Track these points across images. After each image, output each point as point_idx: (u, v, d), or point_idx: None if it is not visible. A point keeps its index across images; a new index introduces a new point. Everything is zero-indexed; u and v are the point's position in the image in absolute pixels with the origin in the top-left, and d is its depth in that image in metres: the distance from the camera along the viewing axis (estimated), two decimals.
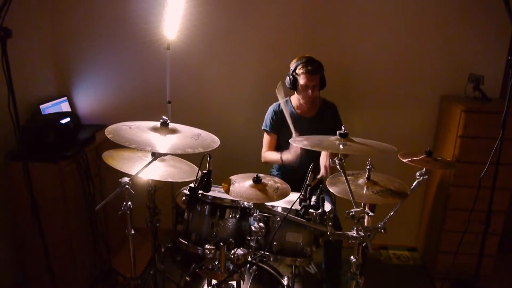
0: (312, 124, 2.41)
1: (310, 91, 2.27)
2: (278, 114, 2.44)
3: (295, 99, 2.46)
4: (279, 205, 1.71)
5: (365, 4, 2.65)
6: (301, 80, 2.27)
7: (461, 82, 2.64)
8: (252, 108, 2.80)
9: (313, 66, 2.24)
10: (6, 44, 1.38)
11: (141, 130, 1.73)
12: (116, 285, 2.57)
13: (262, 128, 2.50)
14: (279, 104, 2.44)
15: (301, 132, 2.28)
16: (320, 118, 2.43)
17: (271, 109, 2.48)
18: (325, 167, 2.19)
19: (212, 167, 1.69)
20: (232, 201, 1.77)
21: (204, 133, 1.85)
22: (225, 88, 2.88)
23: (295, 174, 2.18)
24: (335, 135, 1.73)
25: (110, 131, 1.66)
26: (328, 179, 1.83)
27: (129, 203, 1.70)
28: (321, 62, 2.32)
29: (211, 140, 1.79)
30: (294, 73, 2.30)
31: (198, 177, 1.74)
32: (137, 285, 1.87)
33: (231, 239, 1.65)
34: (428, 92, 2.76)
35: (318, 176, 2.20)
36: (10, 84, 1.43)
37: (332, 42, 2.73)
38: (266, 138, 2.51)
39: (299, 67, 2.26)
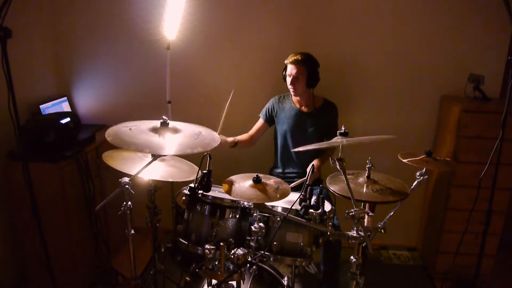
0: (309, 119, 2.44)
1: (290, 81, 2.35)
2: (276, 107, 2.55)
3: None
4: (279, 205, 1.71)
5: (365, 4, 2.64)
6: (287, 70, 2.38)
7: (461, 82, 2.64)
8: (252, 107, 2.80)
9: (299, 56, 2.31)
10: (6, 44, 1.38)
11: (141, 131, 1.72)
12: (116, 285, 2.57)
13: (259, 114, 2.64)
14: (280, 96, 2.57)
15: (298, 126, 2.44)
16: (317, 114, 2.44)
17: (272, 100, 2.60)
18: (314, 173, 2.29)
19: (212, 167, 1.69)
20: (232, 201, 1.77)
21: (205, 131, 1.85)
22: (225, 88, 2.87)
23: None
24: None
25: (110, 134, 1.66)
26: (328, 178, 1.83)
27: (129, 203, 1.70)
28: (317, 60, 2.36)
29: (211, 138, 1.78)
30: (285, 63, 2.40)
31: (198, 177, 1.74)
32: (137, 285, 1.87)
33: (231, 239, 1.65)
34: (428, 92, 2.76)
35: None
36: (10, 84, 1.43)
37: (332, 42, 2.73)
38: (257, 122, 2.64)
39: (289, 57, 2.36)
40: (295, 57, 2.32)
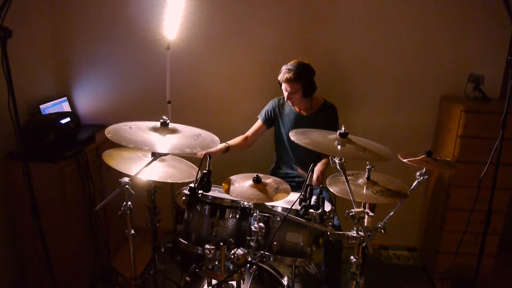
0: (308, 122, 2.43)
1: (286, 96, 2.36)
2: (276, 110, 2.53)
3: None
4: (279, 205, 1.71)
5: (365, 5, 2.65)
6: (282, 85, 2.36)
7: (461, 82, 2.64)
8: (252, 107, 2.80)
9: (292, 74, 2.26)
10: (6, 44, 1.38)
11: (141, 130, 1.73)
12: (116, 285, 2.57)
13: (258, 116, 2.60)
14: (279, 99, 2.54)
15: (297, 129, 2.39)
16: (316, 117, 2.44)
17: (271, 102, 2.57)
18: (318, 177, 2.23)
19: (212, 167, 1.69)
20: (232, 201, 1.77)
21: (204, 133, 1.85)
22: (225, 88, 2.88)
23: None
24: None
25: (110, 130, 1.67)
26: (328, 179, 1.83)
27: (129, 203, 1.70)
28: (311, 68, 2.32)
29: (211, 140, 1.78)
30: (279, 77, 2.37)
31: (198, 177, 1.74)
32: (137, 285, 1.87)
33: (231, 239, 1.65)
34: (428, 92, 2.76)
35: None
36: (10, 84, 1.43)
37: (332, 43, 2.73)
38: (255, 124, 2.61)
39: (282, 73, 2.32)
40: (288, 75, 2.26)
